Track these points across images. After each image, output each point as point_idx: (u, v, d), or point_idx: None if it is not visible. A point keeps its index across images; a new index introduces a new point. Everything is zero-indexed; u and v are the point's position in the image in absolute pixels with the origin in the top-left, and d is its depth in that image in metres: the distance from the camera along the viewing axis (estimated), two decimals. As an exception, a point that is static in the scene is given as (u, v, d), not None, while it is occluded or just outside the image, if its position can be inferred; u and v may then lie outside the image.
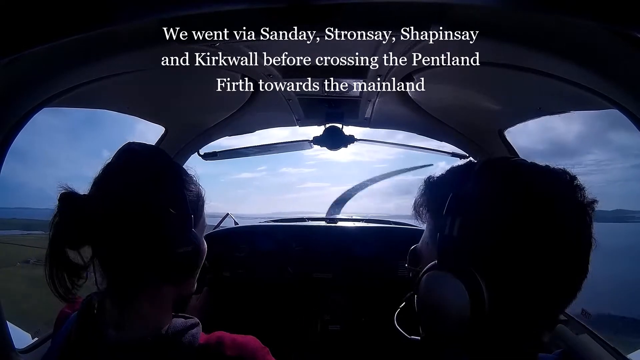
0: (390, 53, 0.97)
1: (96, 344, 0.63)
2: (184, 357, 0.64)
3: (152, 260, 0.64)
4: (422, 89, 1.27)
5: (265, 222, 2.08)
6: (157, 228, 0.63)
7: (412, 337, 0.62)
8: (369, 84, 1.21)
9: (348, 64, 1.11)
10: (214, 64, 1.08)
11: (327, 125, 1.63)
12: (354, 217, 2.32)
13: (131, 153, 0.69)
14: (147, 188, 0.64)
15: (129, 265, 0.64)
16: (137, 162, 0.68)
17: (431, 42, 0.87)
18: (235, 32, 0.85)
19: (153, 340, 0.63)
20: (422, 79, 1.16)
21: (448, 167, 0.65)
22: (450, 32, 0.81)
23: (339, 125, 1.62)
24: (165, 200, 0.64)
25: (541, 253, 0.49)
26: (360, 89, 1.29)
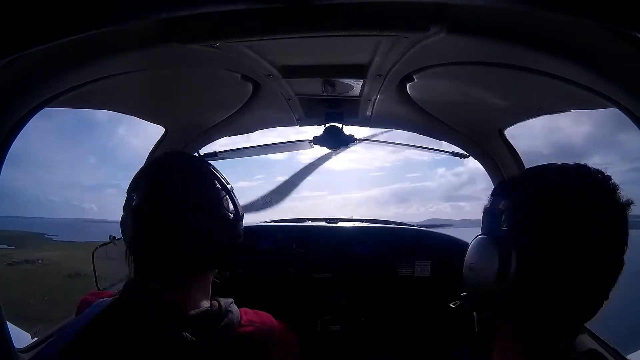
0: (390, 53, 0.97)
1: (137, 326, 0.67)
2: (236, 324, 0.73)
3: (210, 251, 0.74)
4: (422, 89, 1.27)
5: (265, 222, 2.08)
6: (216, 228, 0.75)
7: (452, 303, 0.68)
8: (369, 84, 1.21)
9: (348, 63, 1.11)
10: (214, 64, 1.08)
11: (327, 125, 1.63)
12: (354, 218, 2.32)
13: (180, 160, 0.81)
14: (202, 190, 0.76)
15: (191, 260, 0.73)
16: (191, 168, 0.79)
17: (431, 42, 0.87)
18: (235, 32, 0.85)
19: (207, 312, 0.71)
20: (422, 78, 1.16)
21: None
22: (450, 32, 0.81)
23: (339, 125, 1.62)
24: (217, 199, 0.76)
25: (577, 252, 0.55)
26: (360, 89, 1.29)
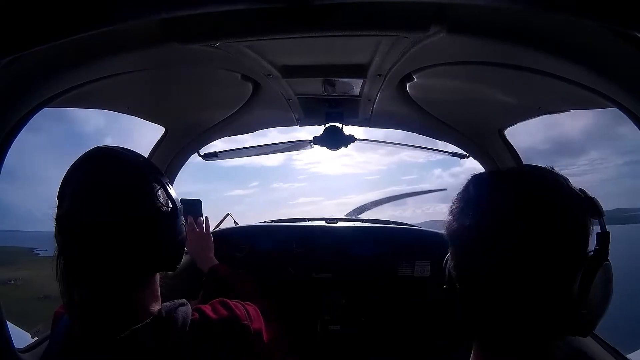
0: (390, 53, 0.97)
1: (101, 335, 0.67)
2: (181, 329, 0.70)
3: (148, 256, 0.69)
4: (422, 89, 1.27)
5: (265, 222, 2.08)
6: (150, 226, 0.69)
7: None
8: (369, 84, 1.21)
9: (348, 63, 1.11)
10: (214, 64, 1.08)
11: (327, 125, 1.63)
12: (354, 218, 2.32)
13: (105, 158, 0.72)
14: (131, 190, 0.69)
15: (128, 265, 0.68)
16: (115, 166, 0.71)
17: (431, 42, 0.87)
18: (235, 32, 0.85)
19: (152, 322, 0.69)
20: (422, 78, 1.16)
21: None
22: (450, 32, 0.82)
23: (339, 125, 1.62)
24: (151, 198, 0.70)
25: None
26: (360, 89, 1.29)
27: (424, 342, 1.67)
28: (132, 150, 0.75)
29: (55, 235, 0.68)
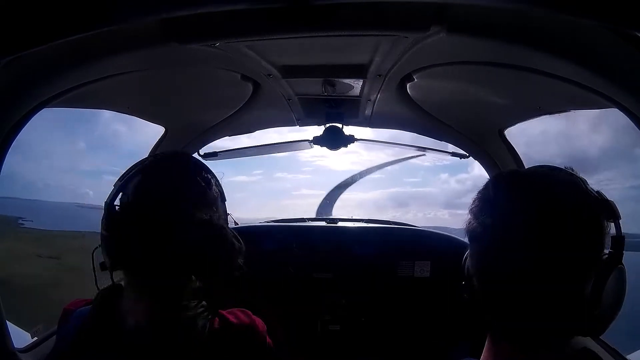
0: (391, 53, 0.97)
1: (116, 332, 0.66)
2: (202, 331, 0.70)
3: (196, 262, 0.69)
4: (422, 89, 1.27)
5: (265, 222, 2.08)
6: (213, 232, 0.70)
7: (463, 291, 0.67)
8: (369, 84, 1.21)
9: (348, 63, 1.11)
10: (214, 64, 1.08)
11: (327, 125, 1.63)
12: (354, 218, 2.32)
13: (183, 162, 0.75)
14: (201, 196, 0.71)
15: (168, 264, 0.67)
16: (191, 171, 0.73)
17: (431, 42, 0.87)
18: (235, 32, 0.85)
19: (174, 322, 0.68)
20: (422, 78, 1.16)
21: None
22: (450, 32, 0.81)
23: (339, 125, 1.62)
24: (214, 205, 0.72)
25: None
26: (360, 89, 1.29)
27: (423, 342, 1.67)
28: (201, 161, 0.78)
29: (109, 219, 0.68)
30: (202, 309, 0.73)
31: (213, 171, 0.77)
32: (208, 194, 0.72)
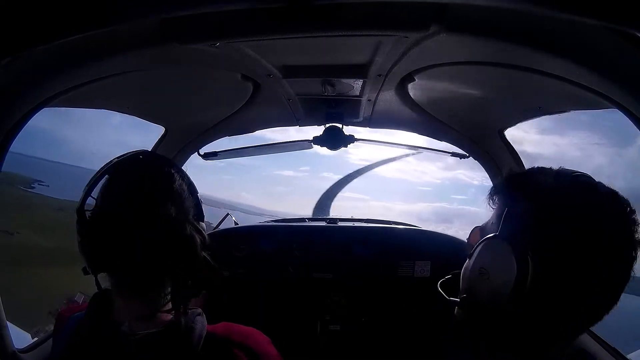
0: (391, 53, 0.97)
1: (110, 337, 0.65)
2: (198, 342, 0.67)
3: (179, 263, 0.68)
4: (422, 89, 1.27)
5: (265, 222, 2.08)
6: (180, 236, 0.67)
7: (452, 299, 0.66)
8: (369, 84, 1.21)
9: (348, 63, 1.11)
10: (214, 64, 1.08)
11: (327, 125, 1.63)
12: (354, 218, 2.31)
13: (142, 165, 0.72)
14: (178, 197, 0.69)
15: (159, 269, 0.67)
16: (149, 170, 0.71)
17: (431, 42, 0.87)
18: (235, 32, 0.85)
19: (168, 329, 0.66)
20: (423, 78, 1.16)
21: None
22: (451, 32, 0.81)
23: (339, 125, 1.62)
24: (189, 207, 0.70)
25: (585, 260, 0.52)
26: (360, 89, 1.29)
27: (424, 342, 1.67)
28: (171, 160, 0.77)
29: (83, 225, 0.67)
30: (198, 315, 0.70)
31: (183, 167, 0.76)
32: (169, 192, 0.69)
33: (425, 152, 1.97)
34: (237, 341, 0.70)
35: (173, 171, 0.72)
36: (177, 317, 0.67)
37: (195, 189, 0.75)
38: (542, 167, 0.62)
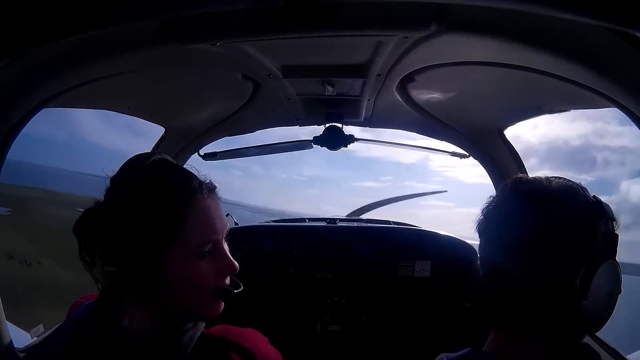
0: (391, 53, 0.97)
1: (109, 332, 0.64)
2: (188, 343, 0.66)
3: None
4: (423, 89, 1.27)
5: (265, 222, 2.08)
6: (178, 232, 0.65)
7: (465, 304, 0.72)
8: (369, 84, 1.21)
9: (348, 63, 1.11)
10: (214, 64, 1.08)
11: (327, 125, 1.63)
12: (354, 218, 2.31)
13: (159, 167, 0.69)
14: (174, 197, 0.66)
15: (152, 264, 0.64)
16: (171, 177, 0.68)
17: (431, 42, 0.87)
18: (235, 32, 0.85)
19: (161, 330, 0.66)
20: (423, 78, 1.16)
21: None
22: (451, 32, 0.81)
23: (339, 125, 1.62)
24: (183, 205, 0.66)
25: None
26: (360, 89, 1.29)
27: (424, 342, 1.67)
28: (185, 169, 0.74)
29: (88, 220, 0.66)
30: (190, 323, 0.69)
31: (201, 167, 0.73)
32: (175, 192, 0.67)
33: (425, 152, 1.97)
34: (233, 342, 0.68)
35: (180, 173, 0.70)
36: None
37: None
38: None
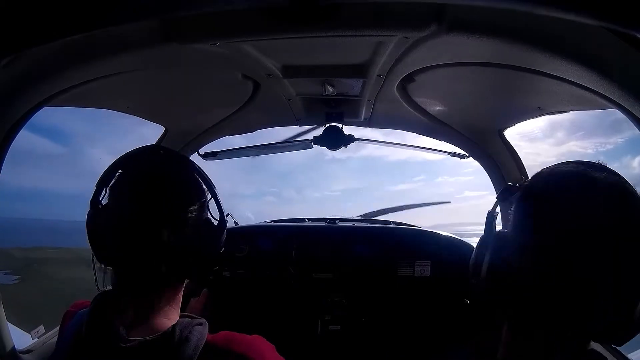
0: (391, 53, 0.97)
1: (107, 340, 0.63)
2: (192, 354, 0.64)
3: (179, 262, 0.66)
4: (422, 89, 1.27)
5: (265, 222, 2.08)
6: (200, 235, 0.67)
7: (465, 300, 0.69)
8: (369, 84, 1.21)
9: (348, 63, 1.11)
10: (214, 64, 1.08)
11: (327, 125, 1.63)
12: (354, 218, 2.31)
13: (151, 158, 0.71)
14: (190, 194, 0.69)
15: (155, 268, 0.65)
16: (160, 168, 0.69)
17: (431, 42, 0.87)
18: (235, 32, 0.85)
19: (163, 338, 0.64)
20: (423, 79, 1.16)
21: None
22: (451, 33, 0.81)
23: (339, 125, 1.62)
24: (203, 204, 0.69)
25: None
26: (360, 89, 1.29)
27: (424, 341, 1.67)
28: (188, 158, 0.76)
29: (91, 219, 0.67)
30: (198, 324, 0.68)
31: (200, 164, 0.74)
32: (190, 189, 0.69)
33: (425, 152, 1.97)
34: (239, 352, 0.66)
35: (185, 166, 0.72)
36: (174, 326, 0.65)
37: (212, 185, 0.73)
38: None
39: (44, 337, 1.12)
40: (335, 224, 1.89)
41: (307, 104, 1.46)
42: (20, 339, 1.05)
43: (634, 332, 0.57)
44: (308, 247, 1.74)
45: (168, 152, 0.74)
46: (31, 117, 0.91)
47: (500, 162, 1.60)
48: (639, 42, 0.66)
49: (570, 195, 0.55)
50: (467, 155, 1.71)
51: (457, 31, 0.81)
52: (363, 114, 1.52)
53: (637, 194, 0.55)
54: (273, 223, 2.02)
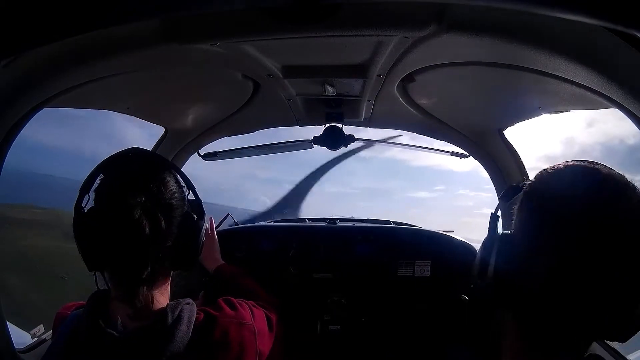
0: (391, 53, 0.97)
1: (106, 333, 0.67)
2: (187, 329, 0.70)
3: (167, 253, 0.71)
4: (423, 89, 1.27)
5: (265, 222, 2.08)
6: (182, 227, 0.72)
7: (462, 295, 0.67)
8: (369, 84, 1.21)
9: (348, 63, 1.11)
10: (214, 64, 1.08)
11: (327, 125, 1.63)
12: (354, 218, 2.31)
13: (132, 157, 0.75)
14: (172, 190, 0.73)
15: (145, 262, 0.68)
16: (141, 166, 0.74)
17: (431, 42, 0.87)
18: (235, 32, 0.85)
19: (157, 321, 0.69)
20: (423, 79, 1.16)
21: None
22: (451, 32, 0.81)
23: (339, 125, 1.62)
24: (184, 201, 0.74)
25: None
26: (360, 89, 1.29)
27: (424, 341, 1.67)
28: (165, 158, 0.82)
29: (79, 224, 0.70)
30: (186, 304, 0.74)
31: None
32: (169, 186, 0.73)
33: (425, 152, 1.97)
34: (231, 314, 0.77)
35: (164, 168, 0.75)
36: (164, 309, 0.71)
37: (192, 184, 0.78)
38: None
39: (42, 337, 1.12)
40: (335, 224, 1.89)
41: (307, 104, 1.46)
42: (19, 338, 1.05)
43: (638, 328, 0.56)
44: (308, 247, 1.74)
45: (146, 153, 0.80)
46: (31, 117, 0.91)
47: (500, 162, 1.60)
48: (639, 42, 0.66)
49: (574, 194, 0.55)
50: (467, 154, 1.71)
51: (457, 31, 0.81)
52: (363, 114, 1.52)
53: None
54: (273, 223, 2.02)
